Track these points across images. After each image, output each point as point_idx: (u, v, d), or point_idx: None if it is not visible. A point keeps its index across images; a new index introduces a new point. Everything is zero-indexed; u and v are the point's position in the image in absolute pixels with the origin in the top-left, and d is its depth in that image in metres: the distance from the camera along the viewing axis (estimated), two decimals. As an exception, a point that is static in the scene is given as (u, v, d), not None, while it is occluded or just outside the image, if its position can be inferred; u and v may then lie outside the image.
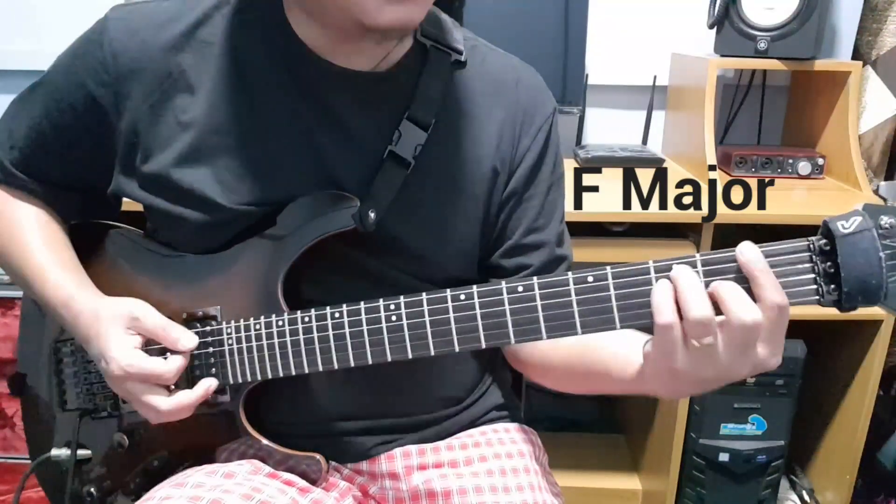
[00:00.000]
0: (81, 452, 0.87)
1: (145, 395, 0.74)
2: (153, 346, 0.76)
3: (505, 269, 0.86)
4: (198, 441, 0.81)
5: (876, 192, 1.48)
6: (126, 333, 0.75)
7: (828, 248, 0.59)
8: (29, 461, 0.94)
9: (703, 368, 0.60)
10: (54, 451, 0.88)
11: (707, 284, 0.59)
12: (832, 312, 1.50)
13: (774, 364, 0.61)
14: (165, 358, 0.75)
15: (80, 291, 0.79)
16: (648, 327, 0.63)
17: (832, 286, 0.59)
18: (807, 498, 1.65)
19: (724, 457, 1.51)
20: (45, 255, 0.82)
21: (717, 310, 0.59)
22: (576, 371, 0.79)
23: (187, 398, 0.75)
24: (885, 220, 0.57)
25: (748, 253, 0.58)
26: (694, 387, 0.63)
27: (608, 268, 0.63)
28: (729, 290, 0.58)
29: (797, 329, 1.39)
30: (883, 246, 0.57)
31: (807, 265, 0.59)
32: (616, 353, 0.72)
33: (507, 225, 0.85)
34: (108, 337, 0.74)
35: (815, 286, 0.59)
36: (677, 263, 0.60)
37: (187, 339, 0.75)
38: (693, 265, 0.60)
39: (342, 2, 0.66)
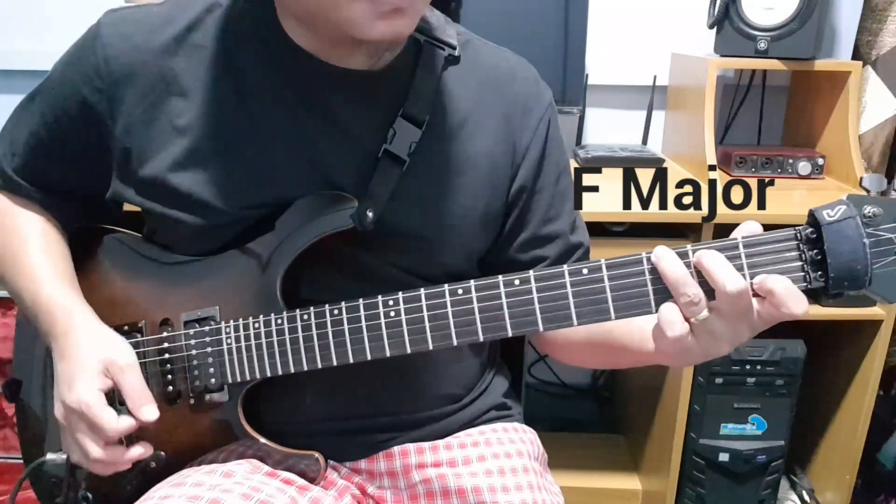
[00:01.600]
0: None
1: (83, 436, 0.74)
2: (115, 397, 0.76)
3: (521, 262, 0.86)
4: (196, 441, 0.81)
5: (859, 183, 1.48)
6: (101, 374, 0.75)
7: (814, 235, 0.61)
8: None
9: (710, 343, 0.63)
10: (50, 455, 0.86)
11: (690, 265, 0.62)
12: (832, 312, 1.49)
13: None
14: (119, 413, 0.74)
15: (77, 311, 0.79)
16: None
17: (819, 273, 0.61)
18: (807, 498, 1.64)
19: (724, 457, 1.51)
20: (43, 266, 0.82)
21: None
22: (597, 347, 0.82)
23: (118, 456, 0.75)
24: (869, 210, 0.59)
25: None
26: (706, 358, 0.66)
27: (602, 260, 0.66)
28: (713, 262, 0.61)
29: (797, 329, 1.39)
30: (867, 234, 0.59)
31: (794, 253, 0.61)
32: (633, 330, 0.75)
33: (519, 219, 0.85)
34: (85, 369, 0.75)
35: (802, 273, 0.61)
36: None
37: (148, 412, 0.75)
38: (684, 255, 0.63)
39: (333, 17, 0.66)
